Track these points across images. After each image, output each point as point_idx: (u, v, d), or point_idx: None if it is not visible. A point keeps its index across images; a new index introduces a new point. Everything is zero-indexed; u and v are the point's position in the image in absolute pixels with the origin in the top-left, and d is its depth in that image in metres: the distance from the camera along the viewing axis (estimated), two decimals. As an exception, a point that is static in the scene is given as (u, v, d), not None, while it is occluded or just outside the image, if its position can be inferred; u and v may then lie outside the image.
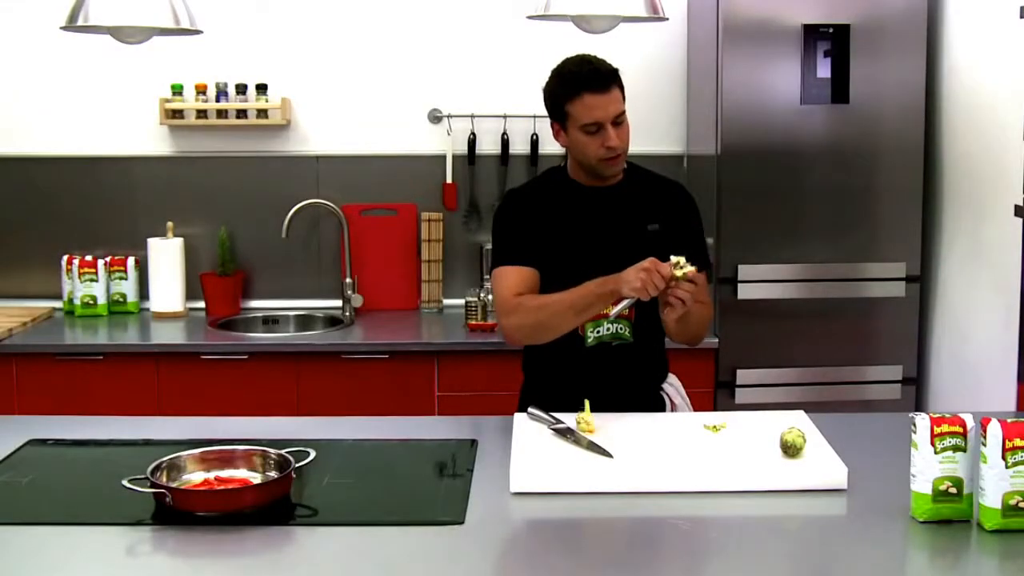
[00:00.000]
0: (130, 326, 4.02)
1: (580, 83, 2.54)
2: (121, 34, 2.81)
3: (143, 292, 4.17)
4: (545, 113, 4.28)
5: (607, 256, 2.56)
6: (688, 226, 2.70)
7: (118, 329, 3.97)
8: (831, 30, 3.60)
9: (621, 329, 2.65)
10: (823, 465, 2.22)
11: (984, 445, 1.97)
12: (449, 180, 4.21)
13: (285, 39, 4.17)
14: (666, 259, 2.42)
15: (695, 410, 2.81)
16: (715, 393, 3.71)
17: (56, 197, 4.21)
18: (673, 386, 2.82)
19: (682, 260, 2.40)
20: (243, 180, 4.22)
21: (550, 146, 4.20)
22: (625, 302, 2.45)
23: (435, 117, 4.22)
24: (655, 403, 2.75)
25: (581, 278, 2.51)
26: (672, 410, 2.77)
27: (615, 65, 2.61)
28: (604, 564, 1.90)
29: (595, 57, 2.61)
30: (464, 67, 4.20)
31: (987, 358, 3.35)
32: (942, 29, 3.66)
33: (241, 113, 4.12)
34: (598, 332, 2.64)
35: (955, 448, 1.98)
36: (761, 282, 3.70)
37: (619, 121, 2.57)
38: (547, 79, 2.64)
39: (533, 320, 2.55)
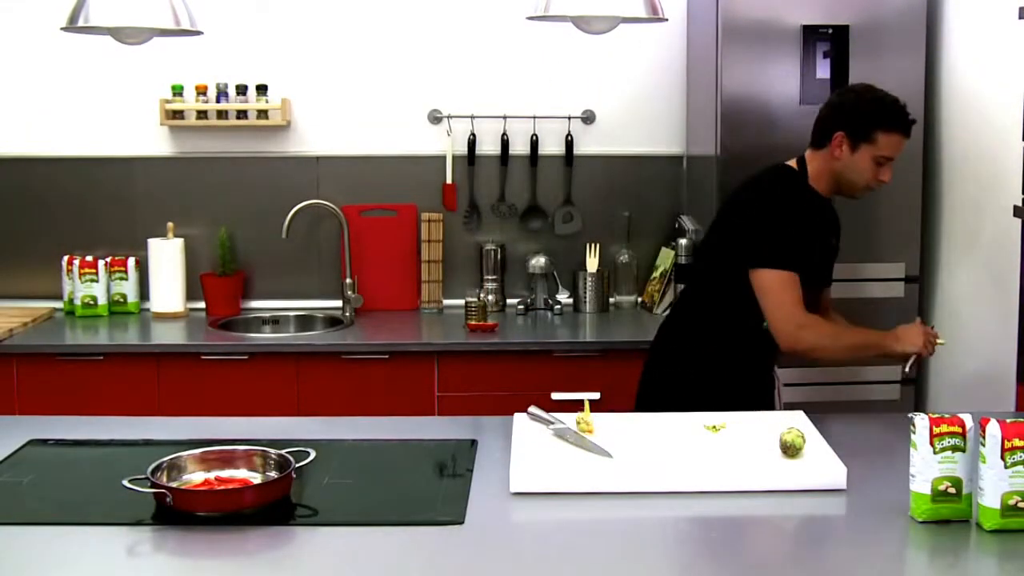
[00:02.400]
0: (130, 326, 4.02)
1: (902, 123, 2.80)
2: (121, 35, 2.81)
3: (143, 292, 4.18)
4: (545, 114, 4.27)
5: (814, 264, 2.87)
6: (838, 247, 3.05)
7: (118, 329, 3.97)
8: (830, 31, 3.60)
9: None
10: (822, 465, 2.22)
11: (983, 445, 1.97)
12: (449, 180, 4.21)
13: (285, 40, 4.18)
14: (828, 270, 2.98)
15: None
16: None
17: (57, 198, 4.21)
18: (778, 370, 3.08)
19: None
20: (243, 180, 4.22)
21: (550, 147, 4.22)
22: (912, 359, 2.84)
23: (435, 118, 4.22)
24: (768, 382, 3.02)
25: (821, 284, 2.92)
26: (778, 389, 3.04)
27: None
28: (604, 564, 1.90)
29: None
30: (464, 68, 4.20)
31: (986, 358, 3.35)
32: (941, 30, 3.66)
33: (241, 114, 4.12)
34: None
35: (954, 448, 1.99)
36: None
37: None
38: (860, 96, 2.85)
39: (815, 344, 2.81)
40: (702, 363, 2.90)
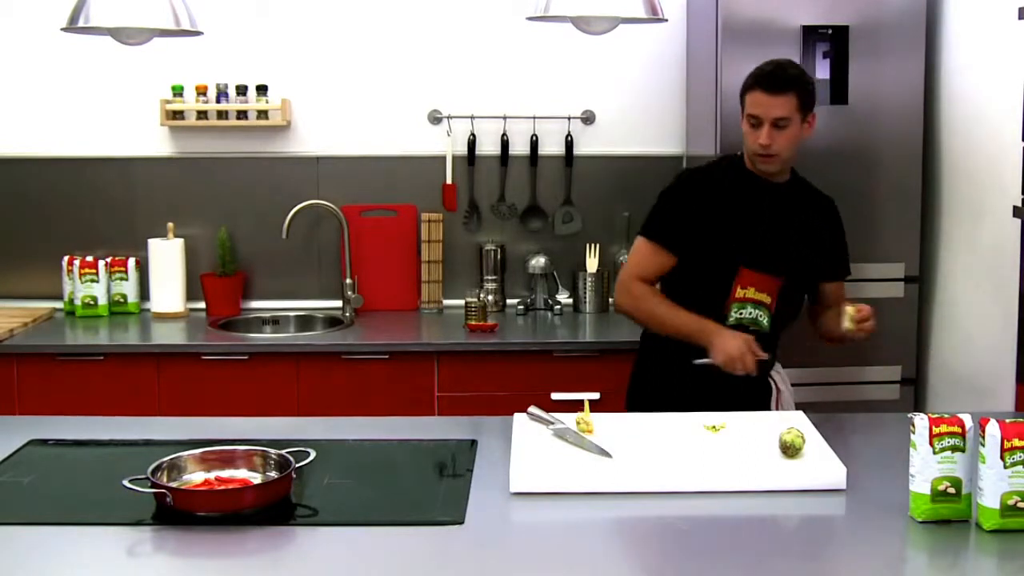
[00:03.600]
0: (131, 326, 4.02)
1: (756, 79, 2.80)
2: (122, 35, 2.82)
3: (144, 293, 4.18)
4: (545, 114, 4.32)
5: (766, 247, 2.81)
6: (838, 237, 3.01)
7: (119, 329, 3.97)
8: (830, 31, 3.60)
9: (761, 317, 2.83)
10: (822, 465, 2.22)
11: (983, 445, 1.97)
12: (449, 181, 4.21)
13: (285, 40, 4.18)
14: (819, 264, 2.87)
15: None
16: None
17: (57, 198, 4.21)
18: (780, 373, 2.99)
19: (851, 310, 2.63)
20: (243, 181, 4.22)
21: (550, 147, 4.22)
22: (706, 360, 2.71)
23: (435, 118, 4.22)
24: (763, 388, 2.93)
25: (736, 263, 2.79)
26: (778, 396, 2.93)
27: (788, 72, 2.82)
28: (604, 564, 1.90)
29: (791, 64, 2.86)
30: (464, 68, 4.21)
31: (986, 358, 3.35)
32: (941, 30, 3.66)
33: (241, 114, 4.13)
34: (740, 315, 2.82)
35: (954, 448, 1.99)
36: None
37: (780, 125, 2.77)
38: None
39: (633, 314, 2.88)
40: (657, 358, 2.91)
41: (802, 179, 3.00)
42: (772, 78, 2.78)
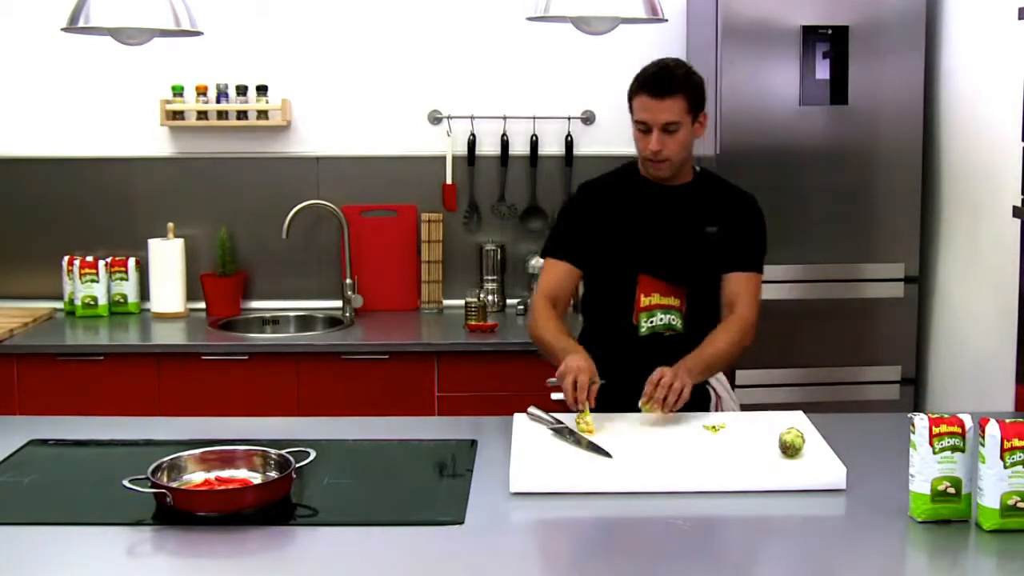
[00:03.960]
0: (131, 327, 4.02)
1: (641, 83, 2.68)
2: (122, 35, 2.82)
3: (144, 293, 4.18)
4: (545, 114, 4.30)
5: (662, 252, 2.74)
6: (743, 230, 2.79)
7: (119, 330, 3.97)
8: (830, 31, 3.60)
9: (673, 320, 2.75)
10: (822, 465, 2.23)
11: (982, 445, 1.97)
12: (449, 181, 4.22)
13: (285, 41, 4.18)
14: (719, 259, 2.75)
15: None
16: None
17: (57, 198, 4.21)
18: (719, 380, 2.87)
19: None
20: (243, 181, 4.22)
21: (550, 147, 4.22)
22: (553, 381, 2.56)
23: (435, 118, 4.22)
24: (702, 396, 2.77)
25: (635, 271, 2.73)
26: (717, 403, 2.81)
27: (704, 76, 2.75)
28: (604, 564, 1.90)
29: (678, 64, 2.73)
30: (464, 68, 4.21)
31: (985, 359, 3.35)
32: (940, 30, 3.66)
33: (241, 114, 4.13)
34: (651, 322, 2.75)
35: (953, 448, 1.99)
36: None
37: (670, 129, 2.66)
38: None
39: (531, 336, 2.83)
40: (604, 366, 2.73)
41: (714, 178, 2.87)
42: (658, 81, 2.64)
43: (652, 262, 2.73)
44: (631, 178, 2.82)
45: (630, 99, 2.71)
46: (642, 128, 2.67)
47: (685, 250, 2.75)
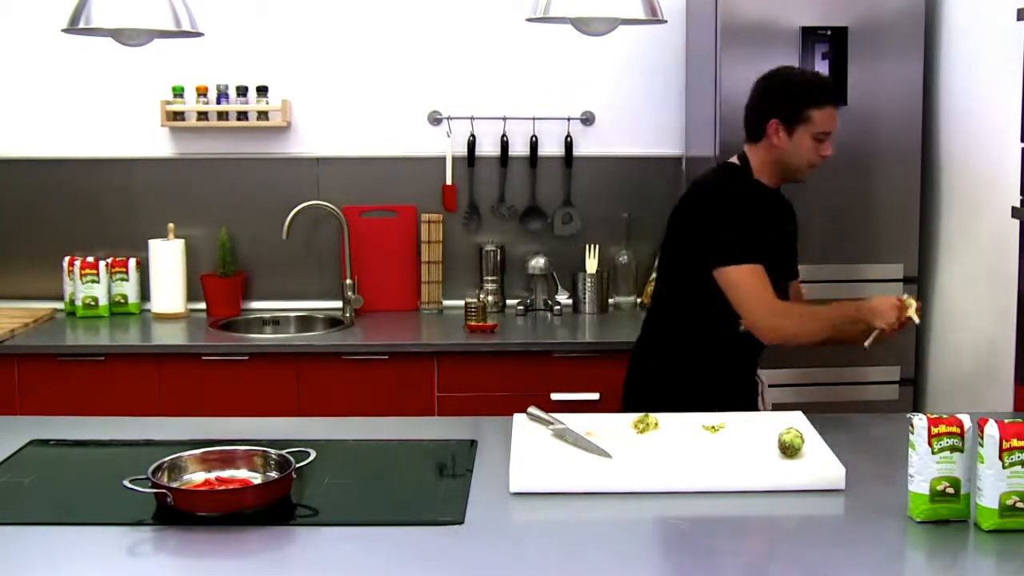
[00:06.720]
0: (131, 327, 4.02)
1: (829, 94, 2.79)
2: (122, 36, 2.82)
3: (144, 293, 4.18)
4: (544, 115, 4.28)
5: (778, 252, 2.86)
6: (796, 235, 3.02)
7: (119, 330, 3.97)
8: (829, 32, 3.60)
9: None
10: (821, 465, 2.23)
11: (981, 446, 1.97)
12: (449, 182, 4.22)
13: (285, 41, 4.18)
14: (791, 261, 2.94)
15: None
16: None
17: (58, 199, 4.22)
18: (762, 372, 3.02)
19: (914, 303, 2.64)
20: (244, 182, 4.23)
21: (549, 148, 4.23)
22: (875, 333, 2.70)
23: (435, 119, 4.23)
24: (751, 384, 2.98)
25: (772, 273, 2.76)
26: (762, 393, 2.98)
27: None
28: (604, 565, 1.91)
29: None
30: (464, 69, 4.21)
31: (985, 359, 3.36)
32: (940, 31, 3.67)
33: (242, 115, 4.13)
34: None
35: (952, 449, 1.99)
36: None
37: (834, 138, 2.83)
38: (783, 79, 2.85)
39: (797, 329, 2.75)
40: (678, 367, 2.88)
41: None
42: (838, 94, 2.85)
43: (771, 262, 2.81)
44: (748, 181, 2.85)
45: (807, 107, 2.75)
46: (821, 138, 2.77)
47: (786, 248, 2.94)
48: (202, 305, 4.16)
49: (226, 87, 4.13)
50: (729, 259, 2.71)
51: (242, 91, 4.12)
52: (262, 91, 4.14)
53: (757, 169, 2.85)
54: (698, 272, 2.78)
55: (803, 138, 2.78)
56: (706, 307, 2.81)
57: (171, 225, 4.15)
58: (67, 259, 4.12)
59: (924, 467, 1.99)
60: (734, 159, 2.90)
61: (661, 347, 2.93)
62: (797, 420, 2.48)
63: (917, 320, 2.70)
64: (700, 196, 2.87)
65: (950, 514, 2.00)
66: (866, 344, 2.72)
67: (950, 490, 1.99)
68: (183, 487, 2.11)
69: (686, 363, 2.87)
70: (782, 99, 2.80)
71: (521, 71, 4.21)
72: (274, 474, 2.16)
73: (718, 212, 2.78)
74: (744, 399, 2.92)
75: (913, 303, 2.69)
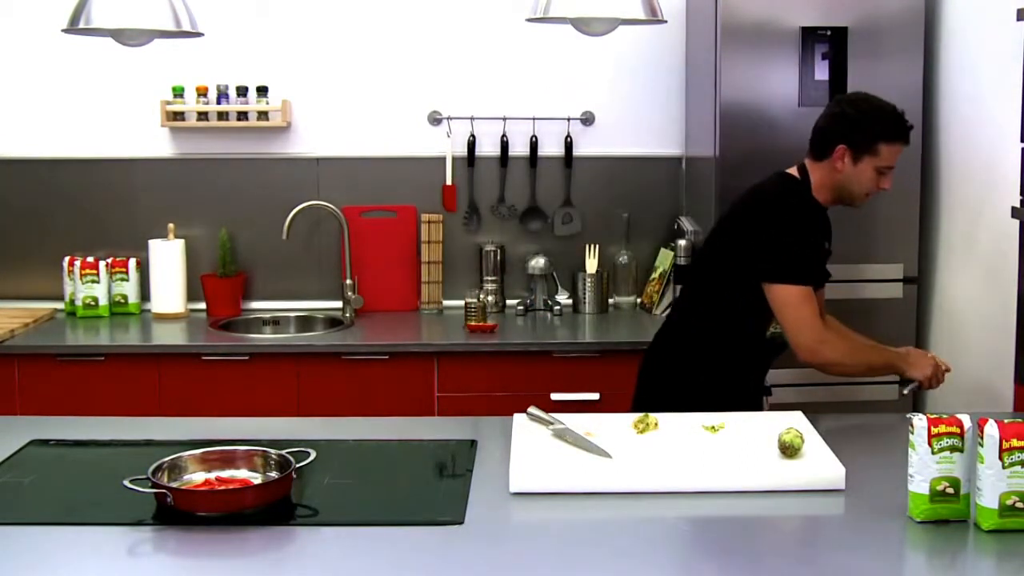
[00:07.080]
0: (131, 327, 4.03)
1: (903, 132, 2.81)
2: (122, 36, 2.82)
3: (144, 293, 4.18)
4: (544, 115, 4.27)
5: (824, 268, 2.92)
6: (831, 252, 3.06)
7: (119, 330, 3.98)
8: (829, 32, 3.60)
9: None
10: (821, 465, 2.23)
11: (981, 446, 1.98)
12: (449, 182, 4.22)
13: (286, 42, 4.18)
14: (826, 275, 2.94)
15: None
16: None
17: (58, 199, 4.22)
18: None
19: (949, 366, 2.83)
20: (244, 182, 4.23)
21: (549, 148, 4.23)
22: (913, 384, 2.87)
23: (435, 119, 4.23)
24: (764, 389, 3.09)
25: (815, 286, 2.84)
26: (768, 397, 3.10)
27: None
28: (604, 565, 1.91)
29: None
30: (464, 69, 4.21)
31: (985, 359, 3.36)
32: (940, 31, 3.67)
33: (242, 115, 4.13)
34: (775, 327, 2.89)
35: (952, 449, 1.99)
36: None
37: None
38: (859, 108, 2.83)
39: (837, 359, 2.82)
40: (700, 367, 2.90)
41: None
42: (908, 131, 2.82)
43: (826, 278, 2.94)
44: (807, 196, 2.87)
45: (879, 140, 2.78)
46: (883, 171, 2.82)
47: (825, 264, 2.96)
48: (202, 305, 4.17)
49: (226, 87, 4.13)
50: (784, 277, 2.76)
51: (242, 91, 4.12)
52: (262, 91, 4.14)
53: (816, 187, 2.87)
54: (742, 277, 2.81)
55: (867, 168, 2.81)
56: (742, 311, 2.85)
57: (171, 225, 4.15)
58: (67, 259, 4.12)
59: (924, 467, 2.00)
60: (793, 170, 2.90)
61: (686, 346, 2.94)
62: (797, 420, 2.48)
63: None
64: (762, 204, 2.87)
65: (950, 514, 2.01)
66: (904, 392, 2.91)
67: (950, 490, 1.99)
68: (183, 487, 2.11)
69: (710, 364, 2.89)
70: (855, 127, 2.80)
71: (521, 71, 4.21)
72: (274, 474, 2.16)
73: (779, 225, 2.80)
74: (755, 401, 2.98)
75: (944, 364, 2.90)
